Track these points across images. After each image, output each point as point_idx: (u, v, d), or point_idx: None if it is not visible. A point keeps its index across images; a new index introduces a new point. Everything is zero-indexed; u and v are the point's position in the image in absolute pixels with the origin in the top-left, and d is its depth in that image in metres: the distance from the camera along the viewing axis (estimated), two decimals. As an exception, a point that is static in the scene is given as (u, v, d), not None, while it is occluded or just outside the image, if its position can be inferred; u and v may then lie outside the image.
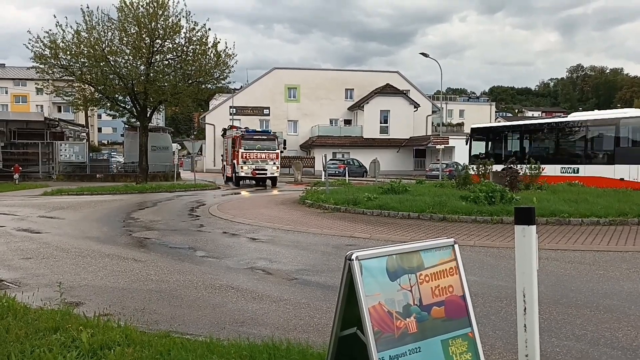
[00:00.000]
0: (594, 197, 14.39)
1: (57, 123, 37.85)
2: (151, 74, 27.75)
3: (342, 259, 2.76)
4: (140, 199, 20.89)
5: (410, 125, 52.24)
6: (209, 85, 31.53)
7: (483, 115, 70.08)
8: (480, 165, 18.72)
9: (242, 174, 29.48)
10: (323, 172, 22.56)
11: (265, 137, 30.91)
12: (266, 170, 29.64)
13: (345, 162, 43.04)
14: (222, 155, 39.87)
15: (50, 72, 27.41)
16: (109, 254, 8.93)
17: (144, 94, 28.23)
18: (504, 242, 9.69)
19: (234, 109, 50.27)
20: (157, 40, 27.33)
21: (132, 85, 27.93)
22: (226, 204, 18.27)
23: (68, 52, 26.64)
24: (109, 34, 27.15)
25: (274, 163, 29.95)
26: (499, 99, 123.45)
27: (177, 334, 4.57)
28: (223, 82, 31.37)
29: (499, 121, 63.51)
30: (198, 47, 27.95)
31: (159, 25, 26.99)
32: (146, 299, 6.10)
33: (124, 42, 27.25)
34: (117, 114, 33.39)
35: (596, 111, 27.28)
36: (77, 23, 26.73)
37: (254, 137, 30.35)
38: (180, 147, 44.67)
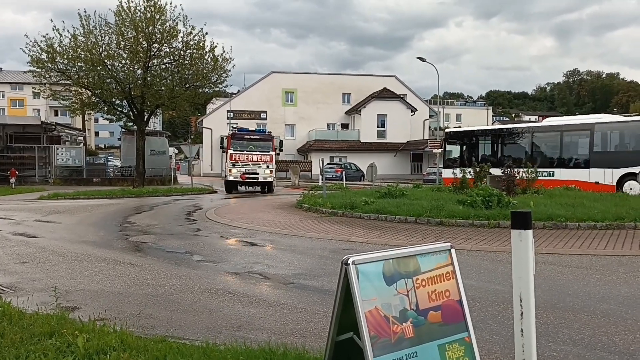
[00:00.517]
0: (590, 201, 14.38)
1: (54, 127, 37.82)
2: (148, 78, 27.79)
3: (339, 263, 2.75)
4: (137, 203, 20.85)
5: (407, 129, 52.29)
6: (206, 90, 31.41)
7: (480, 120, 70.26)
8: (477, 169, 18.77)
9: (231, 178, 26.07)
10: (320, 176, 22.32)
11: (259, 137, 27.40)
12: (258, 174, 25.97)
13: (343, 166, 42.99)
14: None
15: (47, 76, 27.45)
16: (105, 258, 8.90)
17: (141, 98, 28.25)
18: (501, 247, 9.68)
19: (231, 113, 50.28)
20: (155, 45, 27.38)
21: (129, 89, 27.95)
22: (223, 208, 18.24)
23: (65, 56, 26.67)
24: (106, 38, 27.22)
25: (268, 166, 26.25)
26: (496, 103, 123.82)
27: (174, 338, 4.54)
28: (220, 86, 31.20)
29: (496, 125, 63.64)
30: (195, 51, 28.03)
31: (156, 30, 27.07)
32: (142, 303, 6.07)
33: (121, 46, 27.29)
34: (114, 118, 33.43)
35: (571, 116, 28.44)
36: (74, 27, 26.88)
37: (245, 136, 26.96)
38: (177, 151, 44.74)
